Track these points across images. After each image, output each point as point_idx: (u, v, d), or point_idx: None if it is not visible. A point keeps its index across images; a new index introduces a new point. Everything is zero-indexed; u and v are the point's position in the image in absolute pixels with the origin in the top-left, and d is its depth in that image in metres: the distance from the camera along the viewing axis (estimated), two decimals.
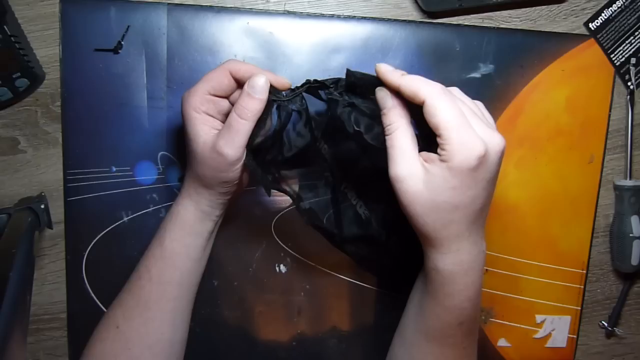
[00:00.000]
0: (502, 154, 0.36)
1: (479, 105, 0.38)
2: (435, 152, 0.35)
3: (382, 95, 0.38)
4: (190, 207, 0.43)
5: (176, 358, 0.45)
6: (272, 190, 0.44)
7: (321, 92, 0.44)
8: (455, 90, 0.38)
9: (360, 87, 0.40)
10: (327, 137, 0.46)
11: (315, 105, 0.44)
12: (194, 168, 0.42)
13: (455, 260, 0.36)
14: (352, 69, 0.41)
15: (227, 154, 0.39)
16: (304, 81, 0.42)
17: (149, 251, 0.44)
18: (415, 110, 0.37)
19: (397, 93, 0.38)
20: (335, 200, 0.47)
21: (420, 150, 0.36)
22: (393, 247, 0.46)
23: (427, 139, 0.36)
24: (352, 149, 0.45)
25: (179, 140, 0.49)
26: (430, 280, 0.38)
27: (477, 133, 0.34)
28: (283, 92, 0.42)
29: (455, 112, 0.34)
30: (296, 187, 0.45)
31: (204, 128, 0.40)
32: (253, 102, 0.39)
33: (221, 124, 0.41)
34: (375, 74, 0.39)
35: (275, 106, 0.41)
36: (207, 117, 0.41)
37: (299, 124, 0.44)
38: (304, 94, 0.43)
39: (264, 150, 0.42)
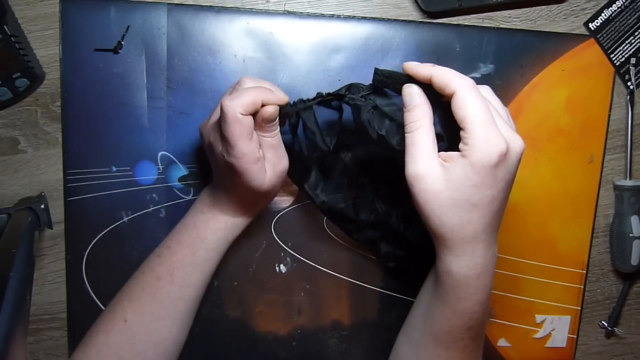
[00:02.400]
0: (521, 157, 0.36)
1: (505, 110, 0.39)
2: (457, 151, 0.35)
3: (410, 91, 0.38)
4: (243, 224, 0.46)
5: (174, 358, 0.46)
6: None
7: (333, 103, 0.45)
8: (486, 89, 0.38)
9: (388, 85, 0.40)
10: (345, 142, 0.47)
11: (323, 114, 0.45)
12: (257, 200, 0.45)
13: (469, 264, 0.36)
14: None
15: (288, 164, 0.44)
16: (315, 94, 0.43)
17: (173, 256, 0.44)
18: (439, 109, 0.37)
19: (424, 87, 0.37)
20: (353, 196, 0.48)
21: (441, 150, 0.36)
22: (410, 237, 0.47)
23: (450, 139, 0.36)
24: (372, 151, 0.46)
25: (179, 140, 0.49)
26: (442, 283, 0.38)
27: (501, 132, 0.34)
28: (290, 102, 0.42)
29: (483, 108, 0.34)
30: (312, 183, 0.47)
31: (263, 172, 0.41)
32: (274, 126, 0.41)
33: (262, 154, 0.41)
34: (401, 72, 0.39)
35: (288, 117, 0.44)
36: (262, 160, 0.41)
37: (307, 129, 0.44)
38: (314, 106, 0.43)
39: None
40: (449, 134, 0.36)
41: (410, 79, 0.38)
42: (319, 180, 0.46)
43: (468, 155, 0.34)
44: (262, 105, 0.39)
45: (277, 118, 0.41)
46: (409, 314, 0.44)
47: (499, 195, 0.35)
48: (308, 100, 0.43)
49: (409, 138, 0.37)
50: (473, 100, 0.34)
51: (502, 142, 0.34)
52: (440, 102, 0.37)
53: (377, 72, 0.40)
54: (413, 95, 0.38)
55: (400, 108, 0.39)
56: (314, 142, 0.44)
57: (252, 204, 0.45)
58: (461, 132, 0.35)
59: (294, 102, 0.43)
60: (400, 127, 0.40)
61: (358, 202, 0.48)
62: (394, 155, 0.40)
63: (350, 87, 0.42)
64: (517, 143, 0.35)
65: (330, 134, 0.45)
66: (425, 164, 0.35)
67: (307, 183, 0.46)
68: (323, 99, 0.43)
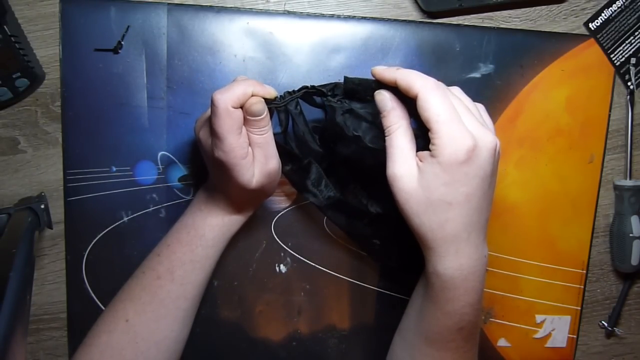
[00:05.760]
0: (496, 153, 0.36)
1: (479, 108, 0.39)
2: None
3: (381, 98, 0.38)
4: (240, 220, 0.46)
5: (177, 356, 0.46)
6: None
7: (316, 99, 0.45)
8: (455, 89, 0.38)
9: (358, 92, 0.41)
10: (330, 140, 0.47)
11: (310, 111, 0.45)
12: (249, 198, 0.44)
13: (454, 265, 0.36)
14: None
15: (279, 166, 0.43)
16: (300, 86, 0.43)
17: (173, 254, 0.44)
18: (413, 109, 0.37)
19: (395, 91, 0.38)
20: (345, 197, 0.48)
21: (420, 150, 0.37)
22: (403, 237, 0.47)
23: (427, 138, 0.37)
24: (357, 151, 0.46)
25: (179, 140, 0.49)
26: (431, 284, 0.38)
27: (468, 128, 0.34)
28: (278, 96, 0.42)
29: (446, 107, 0.35)
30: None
31: (252, 169, 0.41)
32: (262, 121, 0.40)
33: (250, 151, 0.41)
34: (372, 78, 0.39)
35: (274, 111, 0.43)
36: (251, 157, 0.41)
37: (296, 128, 0.44)
38: (299, 99, 0.43)
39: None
40: (426, 133, 0.36)
41: (380, 84, 0.39)
42: (321, 176, 0.46)
43: (436, 154, 0.34)
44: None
45: (266, 114, 0.40)
46: (404, 315, 0.44)
47: (476, 192, 0.35)
48: (294, 91, 0.43)
49: (387, 141, 0.38)
50: (435, 101, 0.35)
51: (468, 139, 0.34)
52: (413, 103, 0.37)
53: (347, 80, 0.41)
54: (385, 101, 0.38)
55: (375, 108, 0.39)
56: (304, 141, 0.45)
57: (244, 202, 0.45)
58: (429, 133, 0.35)
59: (281, 96, 0.43)
60: (374, 128, 0.40)
61: (352, 205, 0.48)
62: (372, 155, 0.41)
63: (335, 87, 0.43)
64: (487, 139, 0.35)
65: (317, 132, 0.46)
66: (402, 165, 0.36)
67: (309, 180, 0.46)
68: (307, 91, 0.43)
